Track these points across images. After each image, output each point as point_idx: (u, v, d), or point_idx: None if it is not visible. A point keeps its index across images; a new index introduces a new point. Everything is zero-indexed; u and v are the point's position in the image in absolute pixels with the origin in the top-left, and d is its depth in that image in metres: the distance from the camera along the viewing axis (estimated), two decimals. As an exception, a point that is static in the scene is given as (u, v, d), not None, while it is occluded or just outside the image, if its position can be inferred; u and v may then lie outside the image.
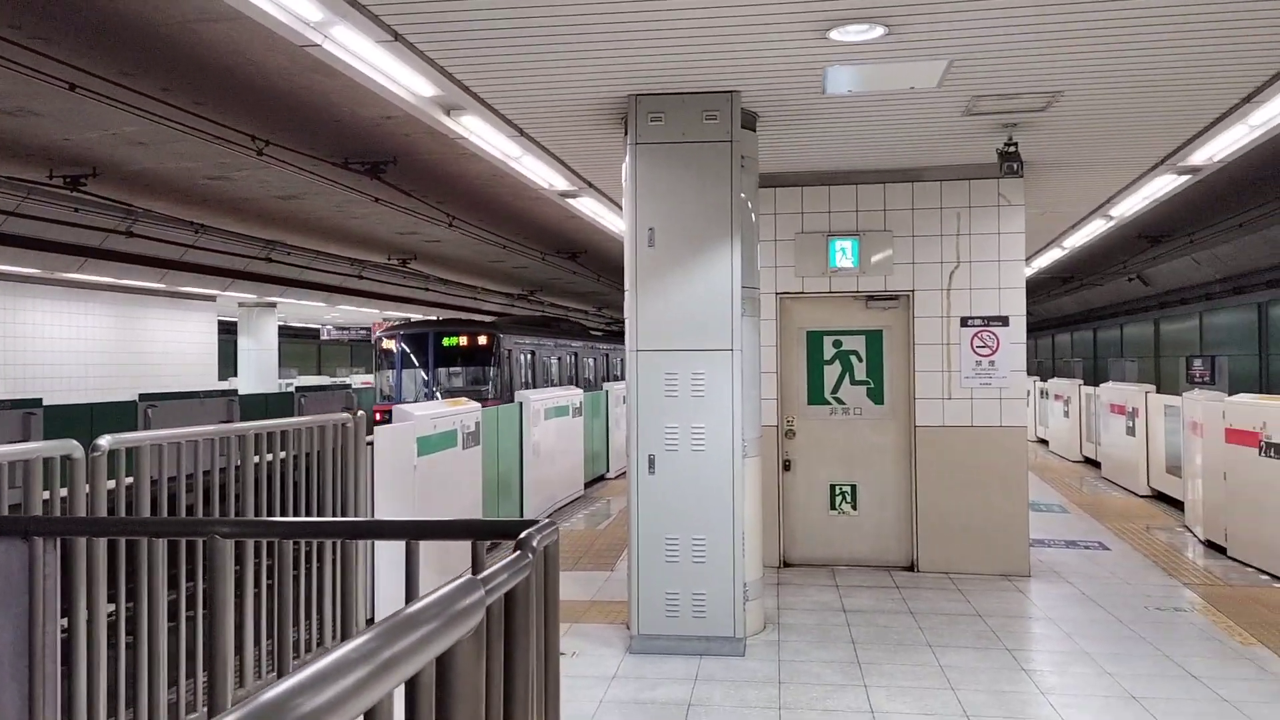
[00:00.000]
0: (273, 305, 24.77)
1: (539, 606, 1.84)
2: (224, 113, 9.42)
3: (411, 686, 1.31)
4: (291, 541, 2.40)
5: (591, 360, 25.25)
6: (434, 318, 24.52)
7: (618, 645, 6.00)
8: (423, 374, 18.93)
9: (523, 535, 1.81)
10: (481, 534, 2.10)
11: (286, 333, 36.05)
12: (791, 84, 5.71)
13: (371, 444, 6.27)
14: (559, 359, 22.70)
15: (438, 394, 18.31)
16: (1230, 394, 8.89)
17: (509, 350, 19.31)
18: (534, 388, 19.00)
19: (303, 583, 4.93)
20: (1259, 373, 19.57)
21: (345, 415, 5.70)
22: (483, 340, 18.89)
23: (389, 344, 19.31)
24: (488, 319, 23.62)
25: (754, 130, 6.36)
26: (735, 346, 5.92)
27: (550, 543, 1.95)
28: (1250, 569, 7.96)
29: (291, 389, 23.88)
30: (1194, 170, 8.03)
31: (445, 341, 18.99)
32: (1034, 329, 38.64)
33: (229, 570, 2.45)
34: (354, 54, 5.03)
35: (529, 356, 20.61)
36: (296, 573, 4.93)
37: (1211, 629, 6.24)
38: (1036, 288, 26.78)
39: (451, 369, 19.15)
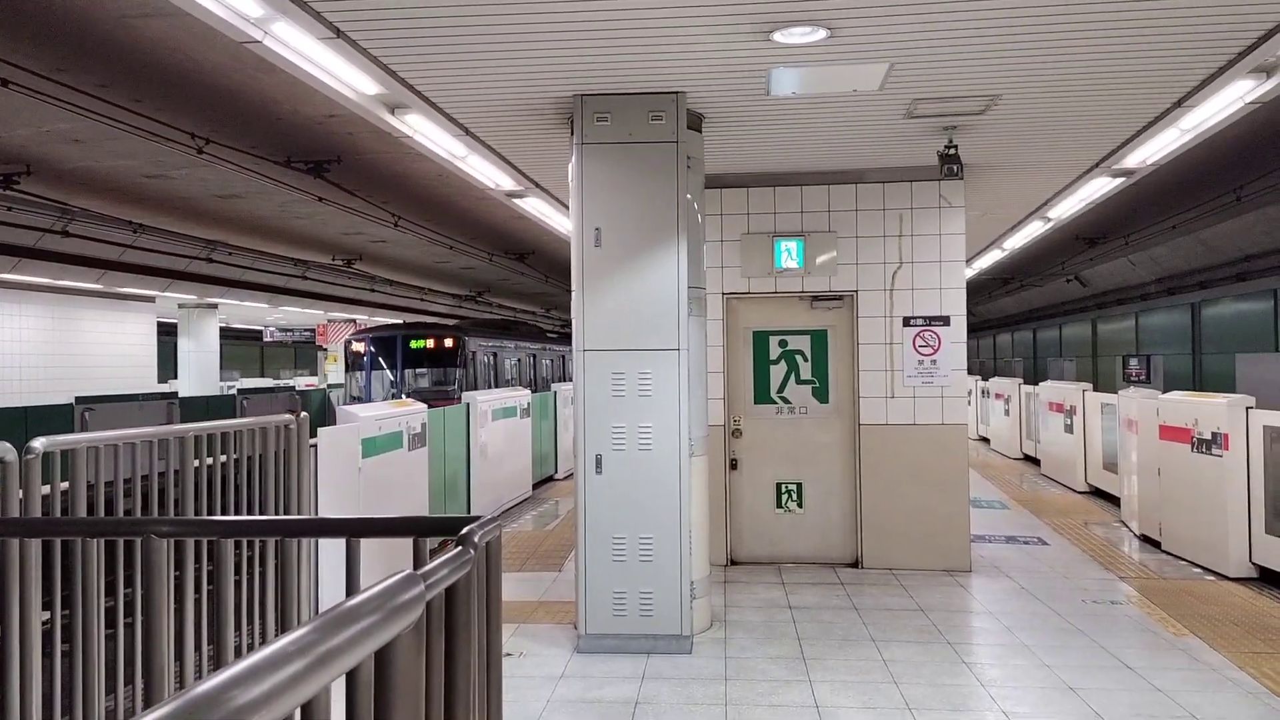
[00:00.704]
0: (214, 306, 24.38)
1: (481, 602, 1.84)
2: (163, 110, 9.25)
3: (351, 682, 1.31)
4: (232, 543, 2.36)
5: (548, 361, 25.93)
6: (400, 321, 25.30)
7: (565, 645, 5.99)
8: (391, 375, 19.76)
9: (464, 531, 1.81)
10: (423, 531, 2.09)
11: (228, 334, 35.46)
12: (736, 85, 5.76)
13: (315, 446, 6.20)
14: (518, 360, 23.83)
15: (405, 395, 18.95)
16: (1164, 392, 9.12)
17: (473, 352, 20.13)
18: (497, 387, 19.54)
19: (244, 587, 4.85)
20: (1192, 371, 20.09)
21: (288, 417, 5.62)
22: (449, 343, 19.78)
23: (358, 347, 20.15)
24: (452, 323, 24.59)
25: (700, 131, 6.40)
26: (682, 346, 5.96)
27: (492, 539, 1.95)
28: (1183, 562, 8.17)
29: (233, 391, 23.52)
30: (1128, 173, 8.23)
31: (413, 344, 19.87)
32: (976, 329, 39.30)
33: (166, 572, 2.41)
34: (295, 51, 4.97)
35: (491, 358, 21.48)
36: (238, 578, 4.86)
37: (1146, 621, 6.40)
38: (978, 289, 27.24)
39: (419, 370, 20.00)
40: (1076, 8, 4.57)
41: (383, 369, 19.86)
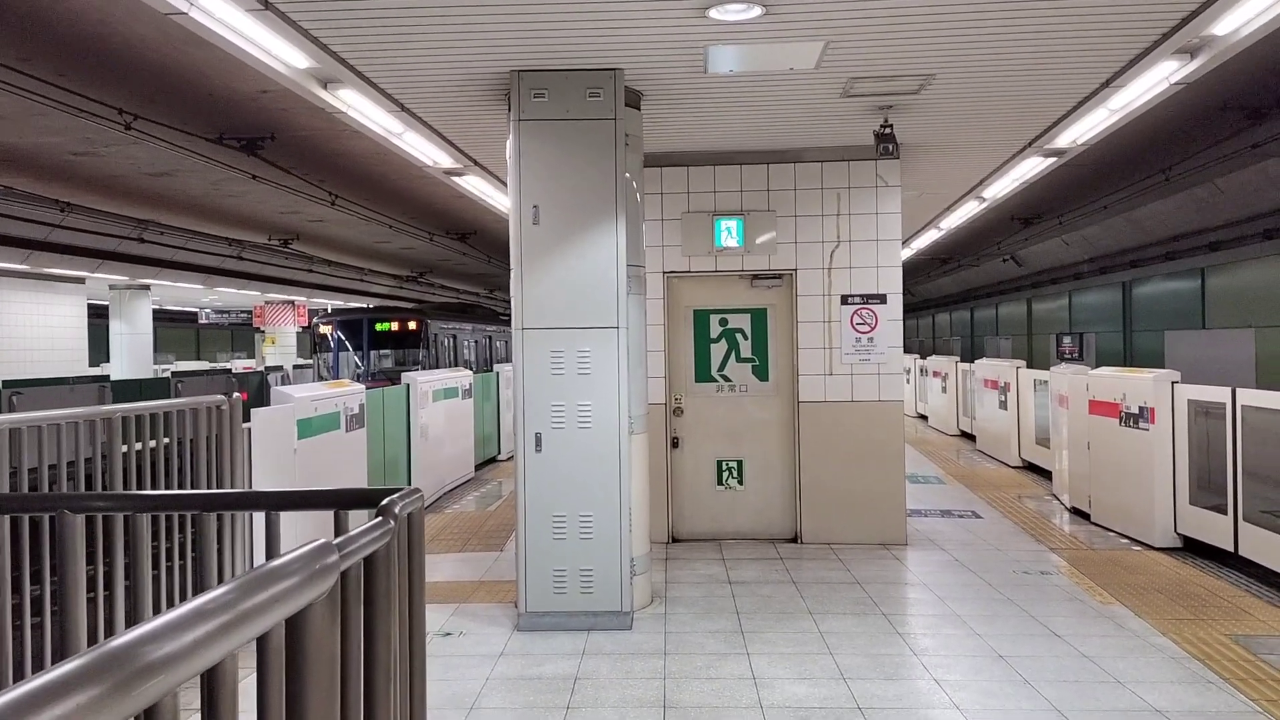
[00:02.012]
0: (146, 288, 23.86)
1: (402, 573, 1.83)
2: (89, 84, 8.99)
3: (261, 649, 1.30)
4: (148, 519, 2.31)
5: (502, 343, 26.77)
6: (366, 305, 26.45)
7: (505, 624, 6.00)
8: (358, 357, 20.63)
9: (384, 502, 1.80)
10: (344, 504, 2.07)
11: (162, 316, 34.71)
12: (674, 63, 5.75)
13: (249, 428, 6.11)
14: (476, 341, 25.11)
15: (373, 375, 19.89)
16: (1096, 368, 9.35)
17: (435, 334, 21.00)
18: (457, 367, 20.36)
19: (176, 570, 4.78)
20: (1123, 349, 20.62)
21: (220, 398, 5.53)
22: (413, 325, 20.70)
23: (325, 330, 21.00)
24: (413, 306, 25.86)
25: (638, 109, 6.39)
26: (621, 324, 5.96)
27: (414, 509, 1.93)
28: (1111, 533, 8.40)
29: (168, 374, 23.09)
30: (1059, 153, 8.39)
31: (379, 327, 20.77)
32: (916, 309, 39.89)
33: (80, 551, 2.35)
34: (222, 23, 4.86)
35: (452, 340, 22.40)
36: (170, 563, 4.78)
37: (1075, 590, 6.57)
38: (917, 268, 27.63)
39: (384, 352, 20.90)
40: (1006, -13, 4.64)
41: (349, 350, 20.64)
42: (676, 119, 7.08)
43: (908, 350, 30.32)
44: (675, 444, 8.36)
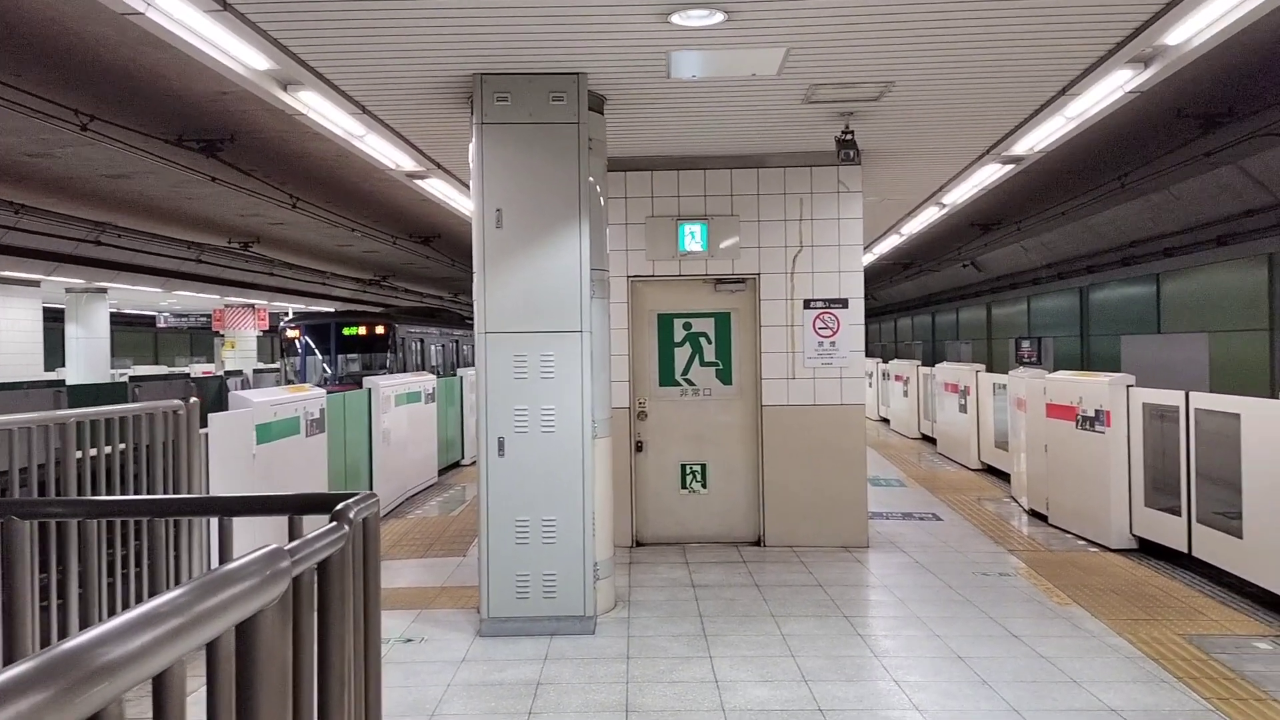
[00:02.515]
0: (103, 291, 23.51)
1: (357, 578, 1.82)
2: (44, 85, 8.84)
3: (211, 656, 1.28)
4: (97, 524, 2.28)
5: (469, 347, 27.01)
6: (332, 310, 26.71)
7: (468, 629, 5.96)
8: (325, 361, 20.79)
9: (339, 507, 1.79)
10: (299, 508, 2.05)
11: (119, 320, 34.20)
12: (637, 67, 5.76)
13: (207, 433, 6.03)
14: (443, 345, 25.48)
15: (340, 379, 20.14)
16: (1053, 372, 9.47)
17: (403, 338, 21.24)
18: (424, 371, 20.67)
19: (118, 574, 4.70)
20: (1080, 353, 20.91)
21: (177, 402, 5.46)
22: (380, 330, 20.88)
23: (293, 334, 21.15)
24: (380, 310, 26.17)
25: (602, 113, 6.39)
26: (585, 328, 5.96)
27: (370, 514, 1.92)
28: (1069, 535, 8.51)
29: (125, 379, 22.77)
30: (1017, 160, 8.50)
31: (346, 331, 20.98)
32: (878, 313, 40.22)
33: (28, 557, 2.31)
34: (180, 24, 4.80)
35: (419, 344, 22.70)
36: (125, 570, 4.70)
37: (1033, 591, 6.65)
38: (879, 273, 27.86)
39: (351, 356, 21.11)
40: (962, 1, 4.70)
41: (316, 355, 20.77)
42: (640, 123, 7.10)
43: (870, 354, 30.57)
44: (639, 448, 8.36)
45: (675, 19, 4.88)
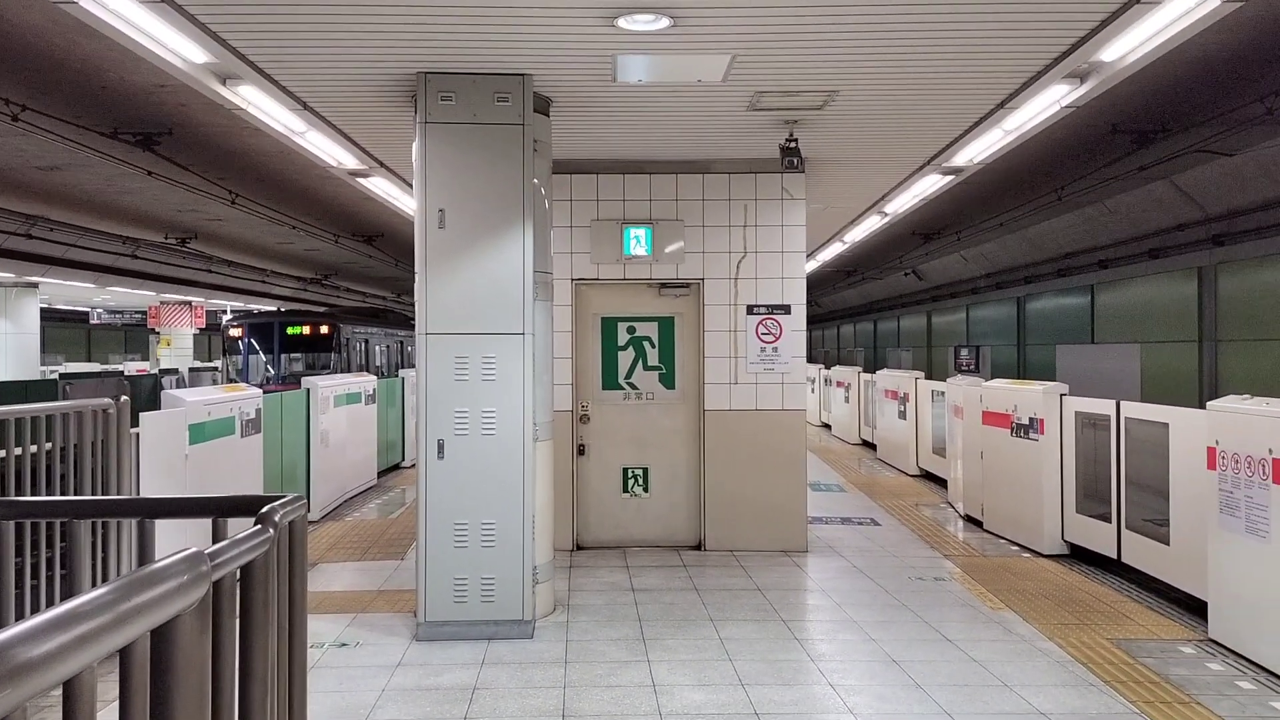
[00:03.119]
0: (34, 286, 22.90)
1: (282, 583, 1.78)
2: (-29, 72, 8.58)
3: (124, 662, 1.25)
4: (11, 526, 2.20)
5: (413, 347, 26.84)
6: (276, 309, 26.59)
7: (404, 634, 5.90)
8: (268, 361, 20.68)
9: (264, 510, 1.75)
10: (223, 511, 2.00)
11: (51, 316, 33.30)
12: (583, 70, 5.76)
13: (138, 433, 5.89)
14: (388, 346, 25.17)
15: (282, 379, 20.02)
16: (990, 380, 9.64)
17: (347, 338, 21.27)
18: (366, 372, 20.52)
19: (42, 577, 4.57)
20: (1017, 361, 21.31)
21: (106, 401, 5.32)
22: (324, 329, 20.81)
23: (235, 332, 21.00)
24: (325, 310, 26.43)
25: (547, 115, 6.37)
26: (527, 330, 5.93)
27: (296, 517, 1.88)
28: (1003, 540, 8.67)
29: (55, 376, 22.18)
30: (957, 171, 8.64)
31: (290, 330, 20.89)
32: (821, 320, 40.63)
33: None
34: (115, 14, 4.69)
35: (364, 344, 22.74)
36: (48, 574, 4.57)
37: (967, 596, 6.76)
38: (823, 280, 28.16)
39: (294, 356, 21.03)
40: (908, 10, 4.76)
41: (259, 354, 20.66)
42: (586, 126, 7.09)
43: (814, 361, 30.88)
44: (581, 451, 8.34)
45: (621, 22, 4.88)
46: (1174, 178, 12.56)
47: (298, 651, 1.89)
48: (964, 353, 16.26)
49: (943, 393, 11.66)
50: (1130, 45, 5.29)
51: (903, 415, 13.49)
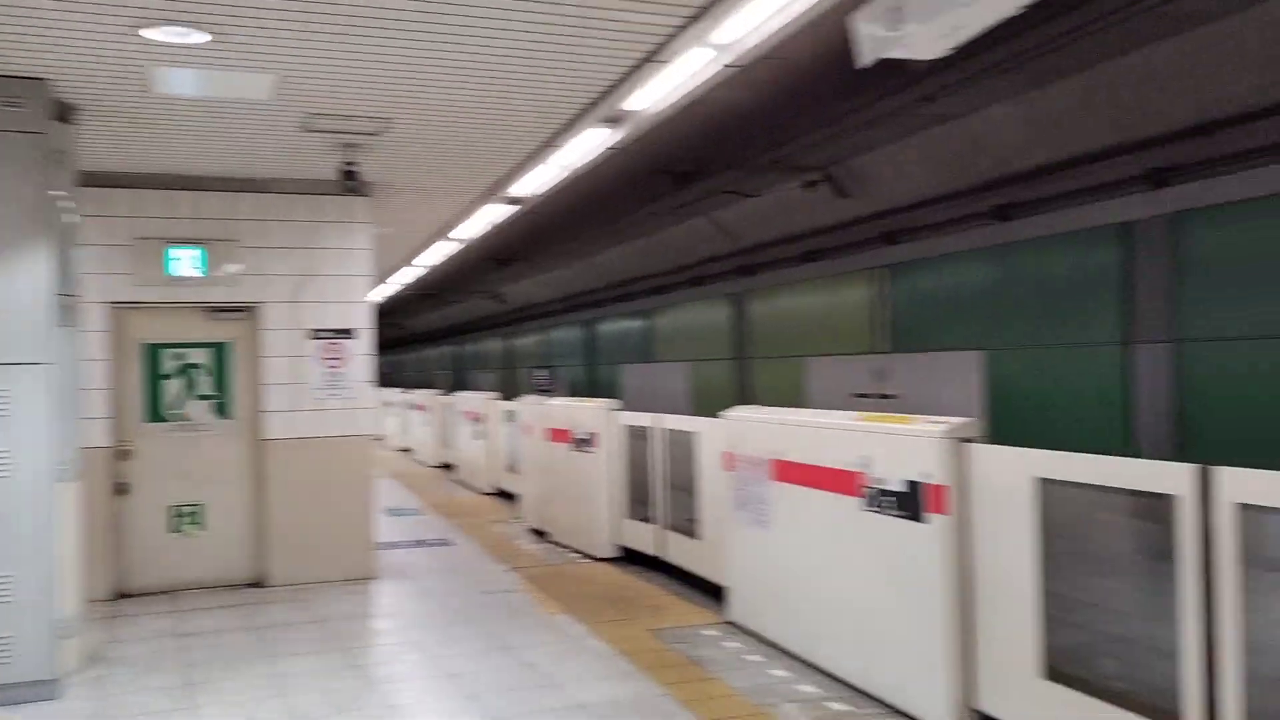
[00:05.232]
0: None
1: None
2: None
3: None
4: None
5: None
6: None
7: (-110, 714, 5.07)
8: None
9: None
10: None
11: None
12: (111, 78, 5.35)
13: None
14: None
15: None
16: (565, 398, 10.22)
17: None
18: None
19: None
20: (589, 380, 22.67)
21: None
22: None
23: None
24: None
25: (71, 124, 5.83)
26: (48, 360, 5.37)
27: None
28: (566, 549, 9.22)
29: None
30: (518, 201, 9.10)
31: None
32: (406, 343, 40.46)
33: None
34: None
35: None
36: None
37: (528, 604, 7.11)
38: (404, 303, 28.07)
39: None
40: (454, 46, 4.97)
41: None
42: (124, 138, 6.58)
43: (398, 384, 30.64)
44: (122, 490, 7.64)
45: (146, 33, 4.61)
46: (712, 214, 14.10)
47: None
48: (540, 373, 17.03)
49: (515, 412, 12.14)
50: (652, 97, 5.92)
51: (479, 435, 13.85)
